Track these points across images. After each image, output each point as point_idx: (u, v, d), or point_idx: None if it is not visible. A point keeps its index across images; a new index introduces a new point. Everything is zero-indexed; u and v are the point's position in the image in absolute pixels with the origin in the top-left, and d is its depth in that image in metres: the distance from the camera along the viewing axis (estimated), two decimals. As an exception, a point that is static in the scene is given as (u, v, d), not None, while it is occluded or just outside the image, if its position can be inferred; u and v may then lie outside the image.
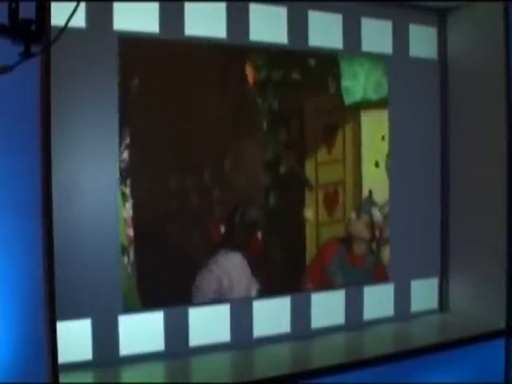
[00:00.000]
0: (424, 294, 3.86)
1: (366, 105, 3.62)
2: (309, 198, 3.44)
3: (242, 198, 3.23)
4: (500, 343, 3.53)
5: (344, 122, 3.56)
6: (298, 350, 3.31)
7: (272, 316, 3.34)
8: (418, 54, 3.80)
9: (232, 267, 3.20)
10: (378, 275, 3.67)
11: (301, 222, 3.42)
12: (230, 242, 3.19)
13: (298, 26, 3.38)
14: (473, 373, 3.39)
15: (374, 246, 3.65)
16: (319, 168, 3.46)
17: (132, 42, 2.92)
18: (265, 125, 3.30)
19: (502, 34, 3.48)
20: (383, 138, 3.69)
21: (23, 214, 2.44)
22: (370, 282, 3.64)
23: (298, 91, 3.39)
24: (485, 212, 3.61)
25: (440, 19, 3.87)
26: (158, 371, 2.96)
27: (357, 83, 3.57)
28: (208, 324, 3.16)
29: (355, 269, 3.58)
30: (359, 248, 3.60)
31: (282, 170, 3.34)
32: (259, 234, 3.28)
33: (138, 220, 2.95)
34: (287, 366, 3.06)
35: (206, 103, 3.12)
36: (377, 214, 3.64)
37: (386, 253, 3.70)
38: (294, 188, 3.40)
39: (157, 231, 3.01)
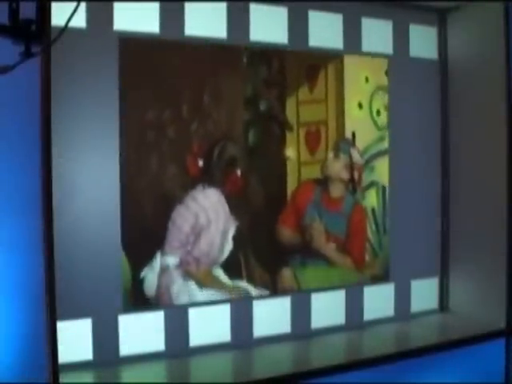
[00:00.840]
0: (424, 293, 3.85)
1: None
2: (290, 136, 3.39)
3: (222, 133, 3.18)
4: (500, 343, 3.53)
5: (327, 61, 3.51)
6: (298, 350, 3.31)
7: (272, 316, 3.34)
8: (418, 53, 3.80)
9: (209, 204, 3.15)
10: (356, 219, 3.61)
11: (281, 161, 3.37)
12: (208, 178, 3.14)
13: (298, 26, 3.38)
14: (473, 373, 3.39)
15: (351, 188, 3.59)
16: (300, 107, 3.41)
17: (132, 42, 2.93)
18: (245, 60, 3.25)
19: (503, 34, 3.48)
20: (367, 79, 3.65)
21: (24, 213, 2.44)
22: (349, 226, 3.58)
23: None
24: (485, 211, 3.61)
25: (440, 19, 3.87)
26: (158, 371, 2.96)
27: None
28: (208, 324, 3.17)
29: (332, 212, 3.53)
30: (337, 190, 3.55)
31: (262, 107, 3.29)
32: (238, 171, 3.23)
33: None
34: (287, 366, 3.06)
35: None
36: (356, 155, 3.59)
37: (366, 197, 3.65)
38: (274, 126, 3.34)
39: (134, 162, 2.97)
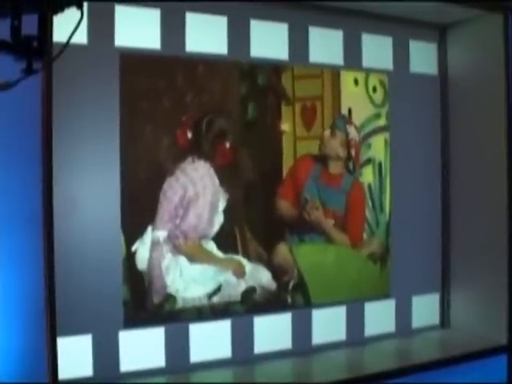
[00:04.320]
0: (425, 309, 3.84)
1: None
2: (285, 110, 3.38)
3: (212, 106, 3.16)
4: (502, 359, 3.51)
5: None
6: (299, 365, 3.29)
7: (273, 332, 3.33)
8: (418, 69, 3.82)
9: (198, 176, 3.11)
10: (355, 197, 3.59)
11: (277, 135, 3.36)
12: (197, 150, 3.11)
13: (298, 42, 3.40)
14: (475, 389, 3.38)
15: (350, 166, 3.57)
16: (296, 81, 3.41)
17: (134, 59, 2.94)
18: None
19: (503, 50, 3.50)
20: None
21: (24, 227, 2.44)
22: (348, 203, 3.56)
23: None
24: (486, 227, 3.61)
25: (440, 35, 3.88)
26: (158, 387, 2.96)
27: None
28: (209, 340, 3.15)
29: (331, 188, 3.51)
30: (335, 167, 3.52)
31: (260, 80, 3.29)
32: (227, 144, 3.19)
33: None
34: (288, 382, 3.04)
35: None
36: (353, 132, 3.56)
37: (364, 174, 3.63)
38: (270, 99, 3.34)
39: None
